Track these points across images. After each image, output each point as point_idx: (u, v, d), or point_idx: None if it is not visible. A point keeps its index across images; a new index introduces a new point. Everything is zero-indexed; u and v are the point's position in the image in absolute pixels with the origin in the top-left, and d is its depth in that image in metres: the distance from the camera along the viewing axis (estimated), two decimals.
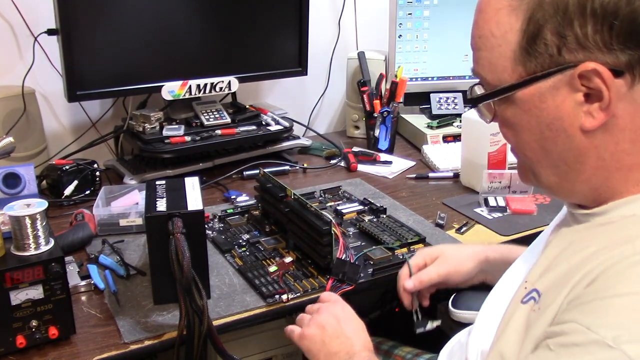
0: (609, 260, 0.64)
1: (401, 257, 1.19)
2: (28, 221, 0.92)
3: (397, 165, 1.72)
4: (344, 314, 0.98)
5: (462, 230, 1.33)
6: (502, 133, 0.78)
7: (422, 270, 1.10)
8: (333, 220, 1.11)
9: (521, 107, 0.72)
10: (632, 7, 0.63)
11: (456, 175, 1.61)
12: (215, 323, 1.00)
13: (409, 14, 1.89)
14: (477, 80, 0.76)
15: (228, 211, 1.39)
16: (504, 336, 0.73)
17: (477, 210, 1.42)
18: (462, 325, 1.22)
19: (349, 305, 1.00)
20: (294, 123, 1.80)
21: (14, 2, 1.53)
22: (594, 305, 0.61)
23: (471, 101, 0.77)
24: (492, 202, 1.43)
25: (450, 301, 1.18)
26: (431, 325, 1.13)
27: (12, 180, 1.30)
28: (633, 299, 0.60)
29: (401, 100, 1.81)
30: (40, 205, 0.93)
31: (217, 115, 1.66)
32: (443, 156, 1.70)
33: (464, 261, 1.10)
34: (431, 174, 1.64)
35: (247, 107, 1.79)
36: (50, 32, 1.45)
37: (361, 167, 1.70)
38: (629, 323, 0.59)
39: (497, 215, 1.40)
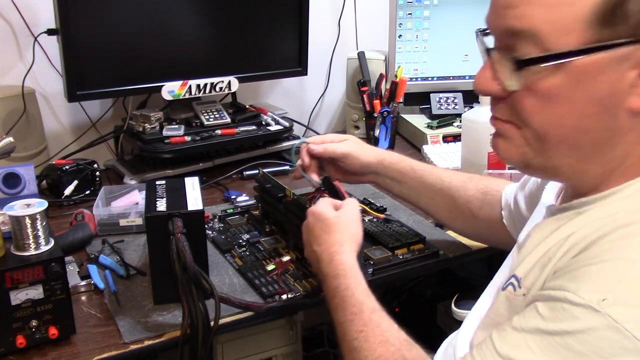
0: (595, 232, 0.66)
1: (401, 257, 1.18)
2: (28, 221, 0.92)
3: None
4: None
5: None
6: (520, 104, 0.69)
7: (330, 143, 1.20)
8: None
9: (573, 77, 0.64)
10: None
11: None
12: None
13: (409, 14, 1.89)
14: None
15: (228, 211, 1.39)
16: (486, 321, 0.77)
17: None
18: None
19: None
20: (294, 123, 1.80)
21: (14, 2, 1.53)
22: (581, 272, 0.63)
23: (517, 63, 0.66)
24: None
25: (453, 301, 1.19)
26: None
27: (12, 180, 1.30)
28: (619, 264, 0.61)
29: (401, 100, 1.81)
30: (40, 205, 0.93)
31: (217, 115, 1.66)
32: (443, 156, 1.70)
33: (365, 153, 1.19)
34: None
35: (247, 107, 1.79)
36: (50, 32, 1.45)
37: None
38: (615, 286, 0.60)
39: None
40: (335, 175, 1.21)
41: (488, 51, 0.70)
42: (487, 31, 0.72)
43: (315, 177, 1.19)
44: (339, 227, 0.98)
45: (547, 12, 0.63)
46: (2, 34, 1.56)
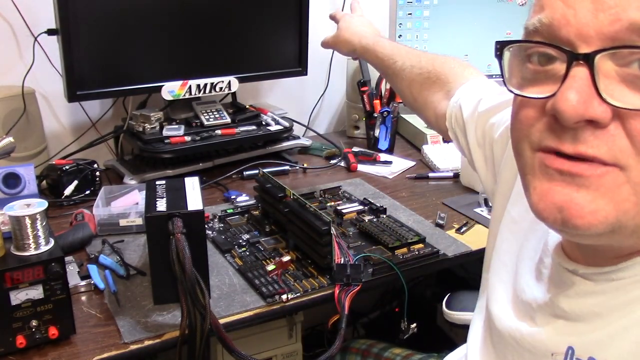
0: None
1: (401, 257, 1.18)
2: (28, 221, 0.92)
3: (397, 165, 1.72)
4: None
5: (462, 230, 1.32)
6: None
7: (328, 36, 1.39)
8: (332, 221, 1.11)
9: None
10: None
11: (456, 175, 1.61)
12: None
13: (409, 14, 1.89)
14: None
15: (228, 211, 1.39)
16: None
17: (477, 210, 1.42)
18: (457, 326, 1.22)
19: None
20: (294, 123, 1.80)
21: (14, 2, 1.53)
22: None
23: None
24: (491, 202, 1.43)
25: (444, 302, 1.18)
26: (413, 329, 1.14)
27: (12, 180, 1.30)
28: None
29: (401, 100, 1.81)
30: (40, 205, 0.93)
31: (217, 115, 1.66)
32: (443, 156, 1.70)
33: (348, 39, 1.32)
34: (431, 174, 1.64)
35: (247, 107, 1.79)
36: (50, 32, 1.45)
37: (361, 167, 1.70)
38: None
39: None
40: None
41: (572, 60, 0.50)
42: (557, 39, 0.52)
43: None
44: None
45: None
46: (2, 34, 1.56)
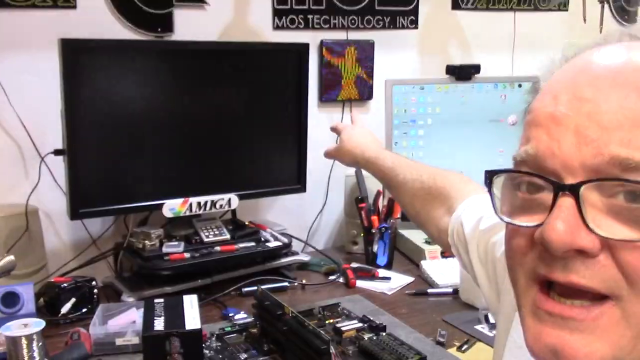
0: None
1: None
2: (24, 342, 0.91)
3: (396, 281, 1.72)
4: None
5: (463, 349, 1.30)
6: (630, 257, 0.48)
7: (330, 147, 1.46)
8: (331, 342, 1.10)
9: None
10: None
11: (455, 291, 1.60)
12: None
13: (404, 132, 1.96)
14: None
15: (226, 329, 1.37)
16: None
17: (478, 327, 1.41)
18: None
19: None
20: (293, 239, 1.81)
21: (23, 123, 1.59)
22: None
23: (632, 197, 0.48)
24: (492, 319, 1.41)
25: None
26: None
27: (11, 299, 1.30)
28: None
29: (399, 216, 1.84)
30: (37, 325, 0.93)
31: (216, 232, 1.68)
32: (441, 271, 1.70)
33: (351, 150, 1.36)
34: (430, 290, 1.63)
35: (247, 223, 1.81)
36: (57, 152, 1.50)
37: (360, 283, 1.69)
38: None
39: None
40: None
41: (558, 190, 0.50)
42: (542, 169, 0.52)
43: None
44: None
45: None
46: (10, 155, 1.61)
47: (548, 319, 0.52)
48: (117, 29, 1.66)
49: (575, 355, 0.50)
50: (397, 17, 2.08)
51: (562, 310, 0.51)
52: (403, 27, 2.10)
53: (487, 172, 0.58)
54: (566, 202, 0.50)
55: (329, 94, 2.02)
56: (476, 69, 2.00)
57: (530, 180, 0.54)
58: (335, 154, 1.44)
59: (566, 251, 0.49)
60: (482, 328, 1.40)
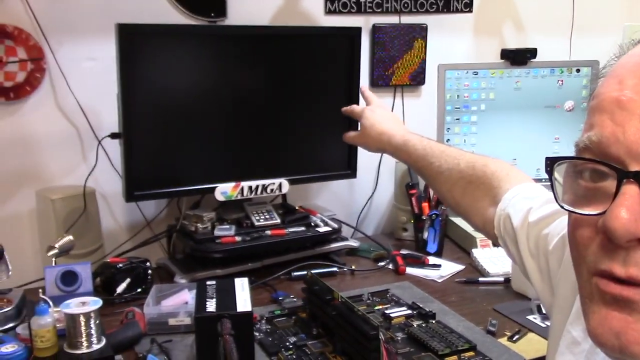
0: None
1: None
2: (82, 319, 0.94)
3: (446, 268, 1.70)
4: None
5: (514, 339, 1.29)
6: None
7: (353, 133, 1.46)
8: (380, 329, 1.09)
9: None
10: None
11: (507, 280, 1.58)
12: None
13: (457, 119, 1.93)
14: None
15: (275, 312, 1.39)
16: None
17: (530, 317, 1.38)
18: None
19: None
20: (342, 224, 1.81)
21: (82, 107, 1.63)
22: None
23: None
24: (545, 310, 1.39)
25: None
26: None
27: (70, 277, 1.34)
28: None
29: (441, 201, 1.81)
30: (94, 303, 0.96)
31: (267, 216, 1.69)
32: (493, 260, 1.68)
33: (375, 138, 1.34)
34: (481, 279, 1.61)
35: (297, 208, 1.82)
36: (113, 135, 1.54)
37: (409, 270, 1.68)
38: None
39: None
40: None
41: (622, 178, 0.49)
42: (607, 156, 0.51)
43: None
44: None
45: None
46: (69, 137, 1.66)
47: (613, 302, 0.51)
48: (171, 14, 1.69)
49: (638, 338, 0.49)
50: (451, 1, 2.04)
51: (622, 290, 0.50)
52: (457, 11, 2.06)
53: (548, 159, 0.57)
54: (630, 190, 0.48)
55: (381, 79, 2.00)
56: (532, 53, 1.94)
57: (594, 168, 0.53)
58: (358, 140, 1.39)
59: (629, 240, 0.48)
60: (534, 318, 1.38)
